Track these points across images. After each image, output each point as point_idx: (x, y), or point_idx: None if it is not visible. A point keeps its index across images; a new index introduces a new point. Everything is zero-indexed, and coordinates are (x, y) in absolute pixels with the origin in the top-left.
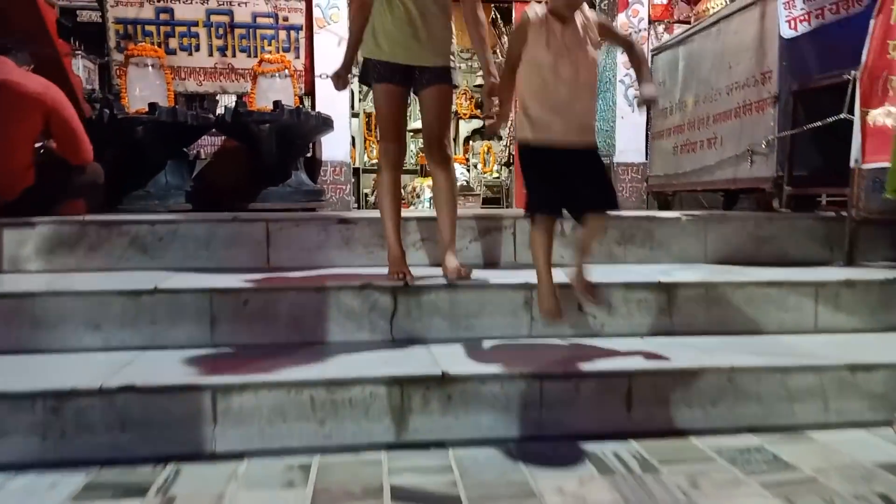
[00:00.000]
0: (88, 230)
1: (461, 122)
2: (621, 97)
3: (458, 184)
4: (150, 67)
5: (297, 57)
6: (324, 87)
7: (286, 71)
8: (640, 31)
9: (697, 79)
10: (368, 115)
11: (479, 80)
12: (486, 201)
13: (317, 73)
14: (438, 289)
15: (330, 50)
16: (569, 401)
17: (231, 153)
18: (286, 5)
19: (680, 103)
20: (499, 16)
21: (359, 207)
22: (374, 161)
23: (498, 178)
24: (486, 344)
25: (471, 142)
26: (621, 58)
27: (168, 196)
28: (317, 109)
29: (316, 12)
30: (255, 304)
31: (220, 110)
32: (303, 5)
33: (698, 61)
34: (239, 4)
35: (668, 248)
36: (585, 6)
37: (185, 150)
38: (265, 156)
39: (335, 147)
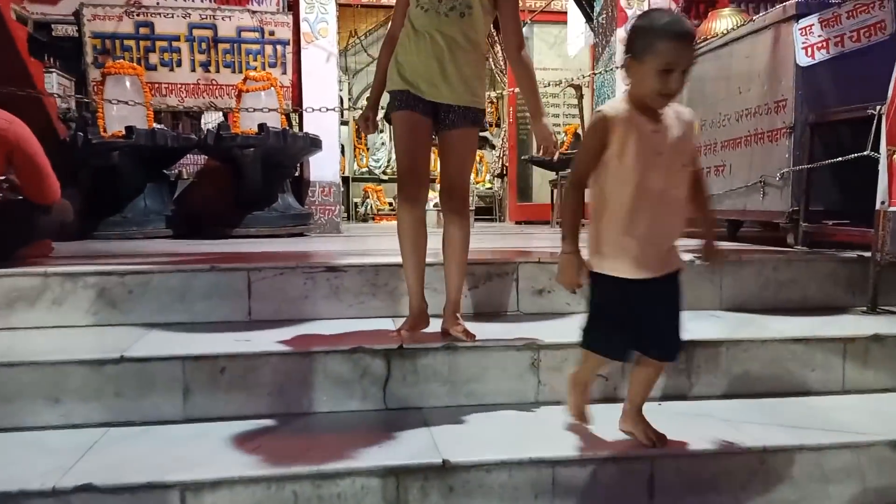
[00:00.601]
0: (51, 283)
1: None
2: None
3: None
4: (128, 85)
5: (284, 73)
6: (312, 104)
7: (272, 89)
8: None
9: (704, 102)
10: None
11: None
12: (479, 211)
13: (304, 88)
14: (436, 351)
15: (318, 66)
16: (585, 490)
17: (214, 173)
18: (272, 19)
19: None
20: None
21: (348, 219)
22: (364, 170)
23: (491, 188)
24: (490, 414)
25: None
26: (620, 72)
27: (147, 222)
28: (304, 128)
29: (303, 27)
30: (234, 371)
31: (204, 124)
32: (290, 19)
33: (705, 84)
34: (223, 18)
35: None
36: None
37: (165, 171)
38: (250, 180)
39: (324, 166)
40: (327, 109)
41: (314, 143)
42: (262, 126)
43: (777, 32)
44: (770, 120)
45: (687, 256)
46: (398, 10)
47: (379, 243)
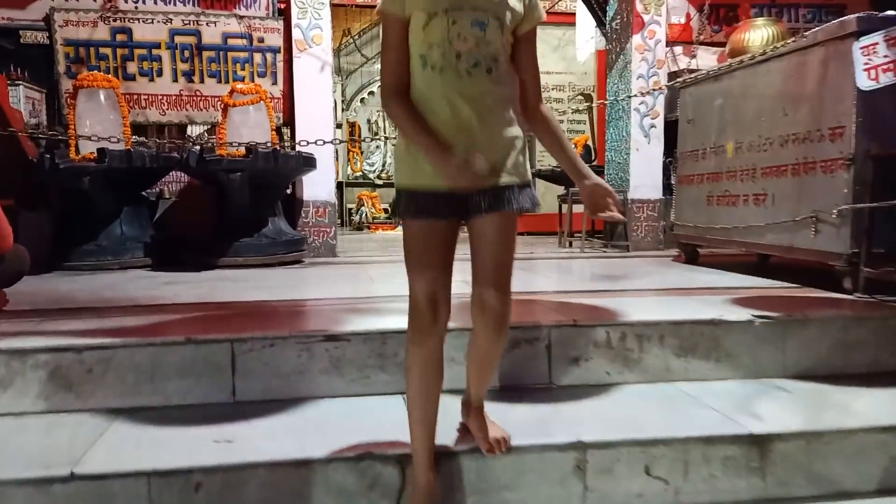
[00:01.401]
0: None
1: None
2: (636, 127)
3: None
4: (102, 99)
5: (275, 83)
6: (304, 118)
7: (262, 103)
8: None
9: (740, 122)
10: (352, 125)
11: None
12: None
13: (297, 101)
14: (462, 454)
15: (311, 76)
16: None
17: (198, 194)
18: (261, 25)
19: (716, 147)
20: None
21: (342, 224)
22: (358, 174)
23: None
24: None
25: None
26: (636, 83)
27: (123, 250)
28: (297, 140)
29: (296, 33)
30: (211, 487)
31: (191, 133)
32: (280, 25)
33: (741, 102)
34: (207, 24)
35: (739, 359)
36: None
37: (144, 193)
38: (237, 204)
39: (318, 185)
40: (323, 142)
41: (307, 163)
42: (249, 148)
43: (832, 50)
44: (823, 148)
45: (744, 314)
46: (399, 54)
47: (381, 272)
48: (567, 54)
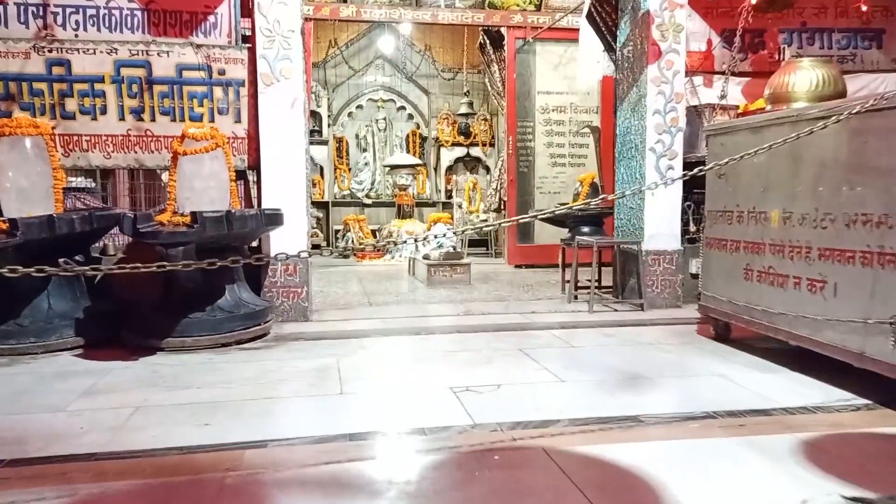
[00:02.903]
0: None
1: (443, 150)
2: (651, 168)
3: (444, 250)
4: (28, 148)
5: (238, 121)
6: (272, 163)
7: (219, 150)
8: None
9: (789, 187)
10: (339, 141)
11: (464, 103)
12: (472, 244)
13: (262, 144)
14: None
15: (280, 114)
16: None
17: (147, 251)
18: (222, 55)
19: (756, 213)
20: (488, 40)
21: (327, 244)
22: (346, 193)
23: (486, 220)
24: None
25: (454, 176)
26: (651, 119)
27: (50, 330)
28: (263, 188)
29: (261, 65)
30: None
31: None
32: (245, 55)
33: (791, 163)
34: (159, 54)
35: None
36: None
37: (79, 257)
38: (184, 278)
39: (287, 239)
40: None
41: (271, 221)
42: (196, 215)
43: None
44: None
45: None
46: None
47: (360, 358)
48: (567, 72)
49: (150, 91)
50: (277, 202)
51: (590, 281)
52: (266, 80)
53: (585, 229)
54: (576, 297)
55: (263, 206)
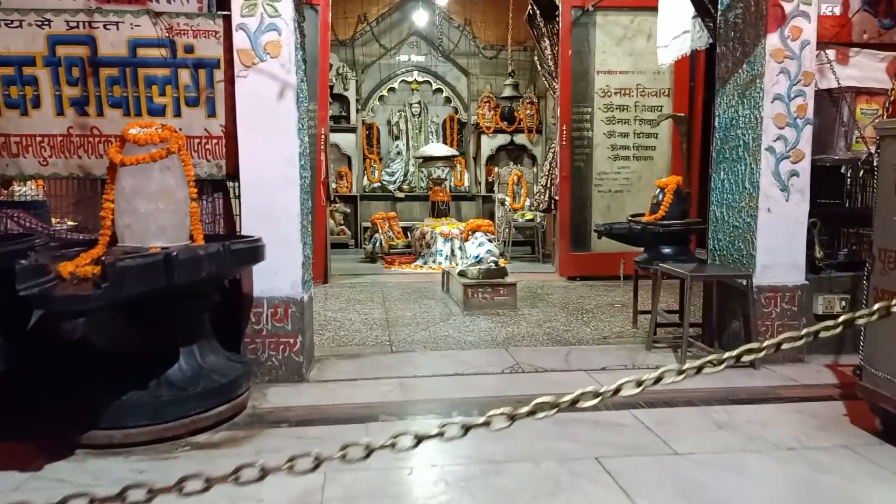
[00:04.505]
0: None
1: (483, 138)
2: (768, 174)
3: (485, 267)
4: None
5: (212, 115)
6: (252, 171)
7: (174, 156)
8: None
9: None
10: (369, 128)
11: (508, 85)
12: (516, 244)
13: (241, 145)
14: None
15: (264, 106)
16: None
17: None
18: (190, 26)
19: None
20: (538, 11)
21: (356, 243)
22: (376, 185)
23: (532, 220)
24: None
25: (496, 168)
26: (770, 108)
27: None
28: (244, 202)
29: (239, 39)
30: None
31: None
32: (220, 26)
33: None
34: (106, 26)
35: None
36: None
37: None
38: (110, 343)
39: (276, 273)
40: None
41: (242, 259)
42: (108, 267)
43: None
44: None
45: None
46: None
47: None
48: (634, 48)
49: (95, 76)
50: (259, 224)
51: (681, 329)
52: (245, 60)
53: (667, 250)
54: (653, 343)
55: (243, 227)
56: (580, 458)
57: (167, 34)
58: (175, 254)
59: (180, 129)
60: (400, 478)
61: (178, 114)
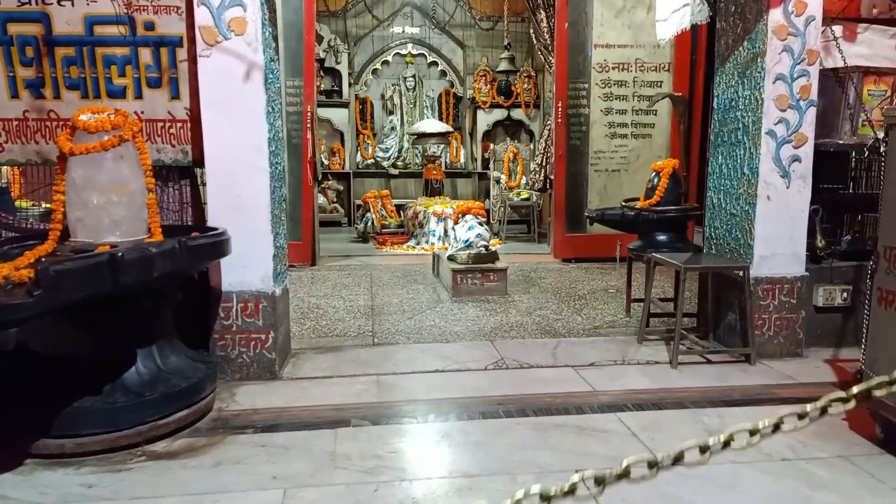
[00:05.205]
0: None
1: (479, 112)
2: (768, 160)
3: (475, 251)
4: None
5: (176, 97)
6: (218, 158)
7: (129, 143)
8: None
9: None
10: (362, 102)
11: (504, 58)
12: (512, 223)
13: (205, 130)
14: None
15: (229, 87)
16: None
17: None
18: (149, 1)
19: None
20: None
21: (349, 221)
22: (370, 162)
23: (528, 199)
24: None
25: (492, 145)
26: (771, 88)
27: None
28: (211, 190)
29: (200, 15)
30: None
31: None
32: (181, 2)
33: None
34: (60, 2)
35: None
36: None
37: None
38: (57, 346)
39: (245, 267)
40: None
41: (205, 255)
42: (41, 273)
43: None
44: None
45: None
46: None
47: (351, 456)
48: (633, 20)
49: (50, 56)
50: (227, 215)
51: (674, 319)
52: (208, 38)
53: (662, 237)
54: (646, 334)
55: (210, 218)
56: (560, 472)
57: (125, 10)
58: (121, 254)
59: (142, 112)
60: (366, 495)
61: (139, 96)
